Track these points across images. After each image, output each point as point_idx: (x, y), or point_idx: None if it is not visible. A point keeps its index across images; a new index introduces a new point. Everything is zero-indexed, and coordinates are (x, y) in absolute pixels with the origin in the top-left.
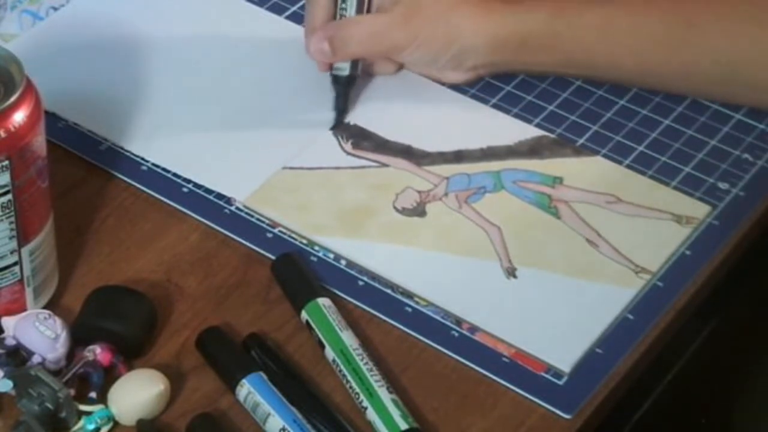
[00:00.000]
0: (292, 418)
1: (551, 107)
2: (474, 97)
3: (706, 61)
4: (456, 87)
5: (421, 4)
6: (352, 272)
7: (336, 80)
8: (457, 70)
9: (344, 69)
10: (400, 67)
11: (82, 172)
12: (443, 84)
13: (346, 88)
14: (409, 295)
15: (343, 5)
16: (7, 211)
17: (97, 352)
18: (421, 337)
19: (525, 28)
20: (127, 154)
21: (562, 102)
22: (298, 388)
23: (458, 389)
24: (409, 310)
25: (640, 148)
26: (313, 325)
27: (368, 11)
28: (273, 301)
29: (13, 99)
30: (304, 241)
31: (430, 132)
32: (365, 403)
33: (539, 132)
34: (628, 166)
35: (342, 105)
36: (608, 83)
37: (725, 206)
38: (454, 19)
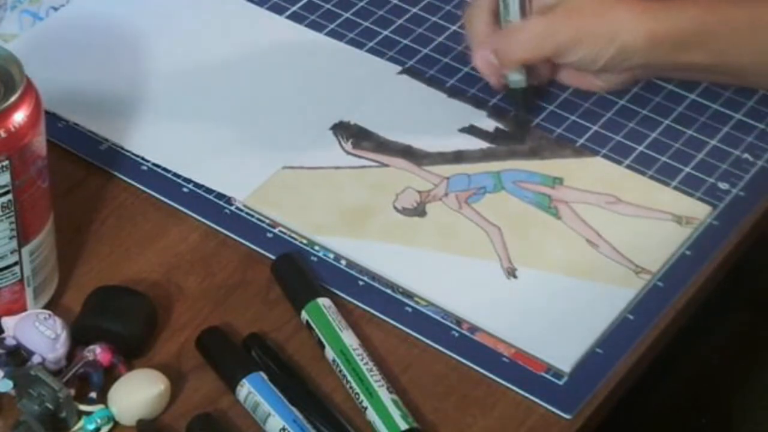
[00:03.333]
0: (292, 418)
1: (551, 107)
2: (474, 96)
3: None
4: (456, 87)
5: (581, 4)
6: (352, 272)
7: (514, 93)
8: (615, 71)
9: (519, 81)
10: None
11: (82, 172)
12: (599, 90)
13: (525, 100)
14: (409, 295)
15: (506, 16)
16: (7, 211)
17: (97, 352)
18: (421, 337)
19: (679, 25)
20: (127, 154)
21: (562, 102)
22: (298, 388)
23: (458, 389)
24: (409, 310)
25: (640, 148)
26: (313, 325)
27: (527, 15)
28: (273, 301)
29: (13, 99)
30: (304, 241)
31: (431, 132)
32: (365, 403)
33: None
34: (628, 166)
35: (524, 118)
36: (753, 86)
37: (725, 206)
38: (614, 16)
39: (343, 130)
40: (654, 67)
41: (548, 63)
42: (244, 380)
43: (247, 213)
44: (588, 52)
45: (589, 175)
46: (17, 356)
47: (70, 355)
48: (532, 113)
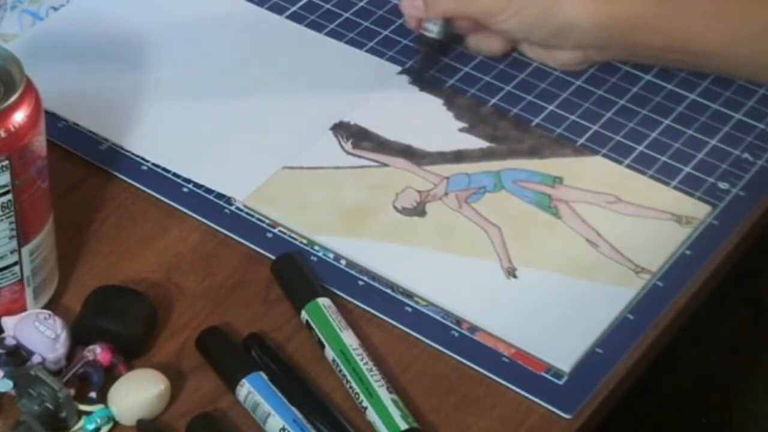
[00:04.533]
0: (292, 418)
1: (551, 107)
2: (474, 97)
3: None
4: (456, 87)
5: None
6: (352, 272)
7: (423, 40)
8: (562, 49)
9: (432, 31)
10: (508, 47)
11: (82, 172)
12: (552, 67)
13: (432, 51)
14: (409, 295)
15: None
16: (7, 211)
17: (97, 352)
18: (421, 337)
19: (633, 8)
20: (127, 154)
21: (562, 102)
22: (298, 388)
23: (458, 389)
24: (409, 310)
25: (640, 148)
26: (313, 325)
27: None
28: (273, 301)
29: (13, 99)
30: (304, 241)
31: (430, 132)
32: (365, 403)
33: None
34: (628, 166)
35: (424, 67)
36: (715, 73)
37: (725, 206)
38: None
39: (343, 130)
40: (609, 48)
41: (486, 31)
42: (244, 380)
43: (247, 213)
44: (518, 24)
45: (590, 174)
46: (17, 356)
47: (70, 355)
48: (433, 66)
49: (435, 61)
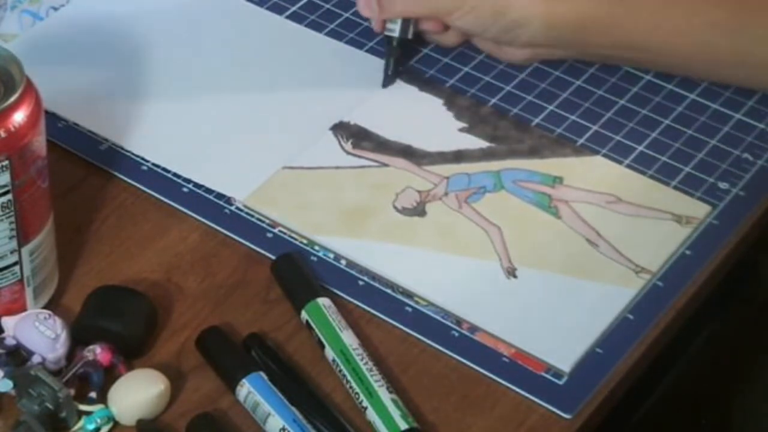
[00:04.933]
0: (292, 418)
1: (551, 107)
2: (474, 96)
3: (763, 49)
4: (456, 87)
5: None
6: (352, 272)
7: (387, 41)
8: (513, 45)
9: (394, 30)
10: (462, 39)
11: (82, 172)
12: (503, 61)
13: (396, 50)
14: (409, 295)
15: None
16: (7, 211)
17: (97, 352)
18: (421, 337)
19: (583, 8)
20: (127, 154)
21: (562, 102)
22: (298, 388)
23: (458, 389)
24: (409, 310)
25: (640, 148)
26: (313, 325)
27: None
28: (273, 301)
29: (13, 99)
30: (304, 241)
31: (430, 132)
32: (365, 403)
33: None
34: (628, 166)
35: (390, 67)
36: (662, 70)
37: (725, 206)
38: None
39: (343, 130)
40: (558, 47)
41: (441, 23)
42: (244, 380)
43: (247, 213)
44: (472, 21)
45: (589, 174)
46: (17, 356)
47: (70, 355)
48: (398, 65)
49: (400, 61)
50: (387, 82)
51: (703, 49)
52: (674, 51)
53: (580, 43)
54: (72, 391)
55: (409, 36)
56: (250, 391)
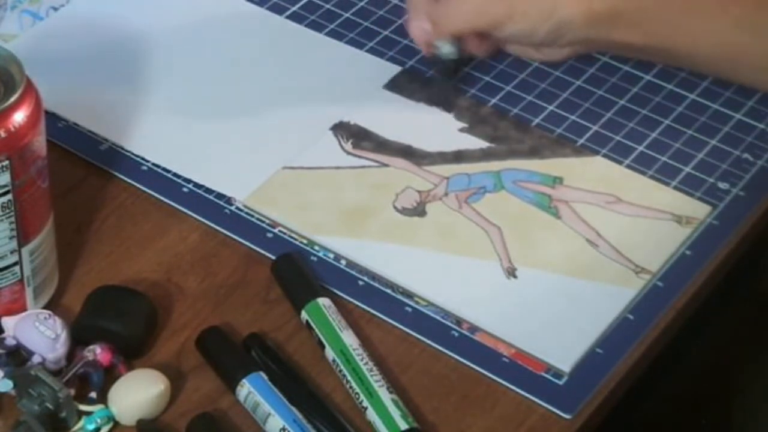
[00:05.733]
0: (292, 418)
1: (551, 107)
2: (474, 97)
3: None
4: (455, 87)
5: None
6: (352, 272)
7: (438, 61)
8: (554, 45)
9: (449, 52)
10: (497, 48)
11: (82, 172)
12: (541, 62)
13: (454, 71)
14: (409, 295)
15: None
16: (7, 211)
17: (97, 352)
18: (421, 337)
19: (619, 4)
20: (127, 154)
21: (562, 102)
22: (298, 388)
23: (458, 389)
24: (409, 310)
25: (640, 148)
26: (313, 325)
27: None
28: (273, 301)
29: (13, 99)
30: (304, 241)
31: (431, 132)
32: (365, 403)
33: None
34: (628, 166)
35: (451, 88)
36: (686, 69)
37: (725, 206)
38: None
39: (343, 130)
40: (593, 43)
41: (481, 36)
42: (244, 380)
43: (247, 213)
44: (523, 27)
45: (590, 174)
46: (17, 356)
47: (70, 355)
48: (458, 84)
49: (453, 81)
50: (449, 106)
51: (728, 49)
52: (697, 50)
53: (613, 40)
54: (72, 391)
55: (458, 56)
56: (250, 391)
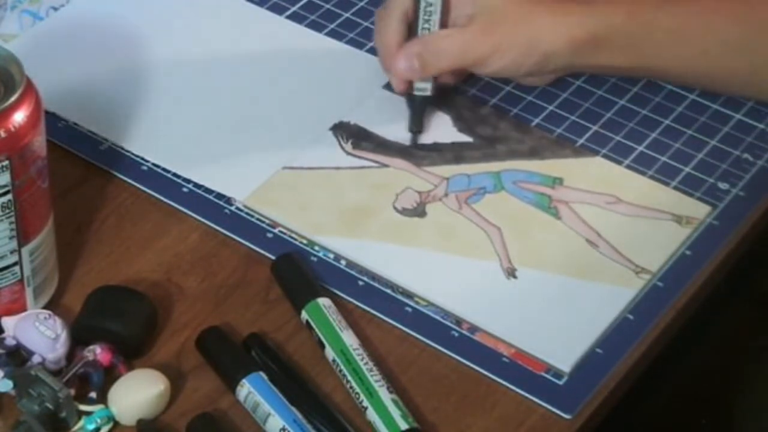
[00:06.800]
0: (292, 418)
1: (551, 107)
2: (474, 97)
3: None
4: (456, 88)
5: (502, 13)
6: (352, 272)
7: (414, 99)
8: (539, 74)
9: (426, 89)
10: (461, 78)
11: (82, 172)
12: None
13: (424, 107)
14: (409, 295)
15: (426, 23)
16: (7, 211)
17: (97, 352)
18: (421, 337)
19: (601, 30)
20: (127, 154)
21: (562, 102)
22: (298, 388)
23: (458, 389)
24: (409, 310)
25: (640, 148)
26: (313, 325)
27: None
28: (273, 301)
29: (13, 99)
30: (304, 241)
31: (431, 132)
32: (365, 403)
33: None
34: (628, 166)
35: (419, 125)
36: (677, 85)
37: (725, 206)
38: (536, 23)
39: (343, 130)
40: (576, 67)
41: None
42: (244, 380)
43: (247, 213)
44: (508, 63)
45: (589, 175)
46: (17, 356)
47: (70, 355)
48: (423, 123)
49: (424, 116)
50: (415, 141)
51: (718, 67)
52: (689, 69)
53: (597, 64)
54: (72, 391)
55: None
56: (250, 391)
